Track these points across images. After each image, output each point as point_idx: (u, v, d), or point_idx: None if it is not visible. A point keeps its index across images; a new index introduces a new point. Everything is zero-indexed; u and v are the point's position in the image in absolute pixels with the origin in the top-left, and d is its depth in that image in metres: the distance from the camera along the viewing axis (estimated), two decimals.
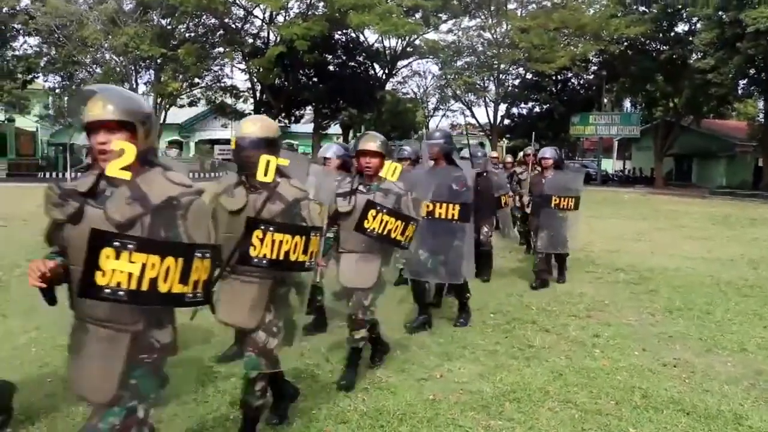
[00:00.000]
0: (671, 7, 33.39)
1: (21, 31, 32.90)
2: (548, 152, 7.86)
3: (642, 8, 35.78)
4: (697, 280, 8.53)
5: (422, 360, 5.02)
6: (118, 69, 32.32)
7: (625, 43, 35.47)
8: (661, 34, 35.49)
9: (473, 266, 6.30)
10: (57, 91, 34.71)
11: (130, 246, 2.11)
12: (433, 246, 5.55)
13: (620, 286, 8.06)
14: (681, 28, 36.02)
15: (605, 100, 41.65)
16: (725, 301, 7.34)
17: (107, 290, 2.09)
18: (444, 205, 5.39)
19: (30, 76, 33.16)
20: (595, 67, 39.93)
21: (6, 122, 36.56)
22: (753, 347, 5.54)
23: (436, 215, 5.38)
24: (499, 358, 5.09)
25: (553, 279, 8.18)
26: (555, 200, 7.46)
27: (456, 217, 5.42)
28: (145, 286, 2.14)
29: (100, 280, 2.08)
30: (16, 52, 33.28)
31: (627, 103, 45.60)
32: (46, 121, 36.94)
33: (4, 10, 31.69)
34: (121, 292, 2.11)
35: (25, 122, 36.47)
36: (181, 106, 36.88)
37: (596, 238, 12.70)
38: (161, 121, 34.45)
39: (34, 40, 33.51)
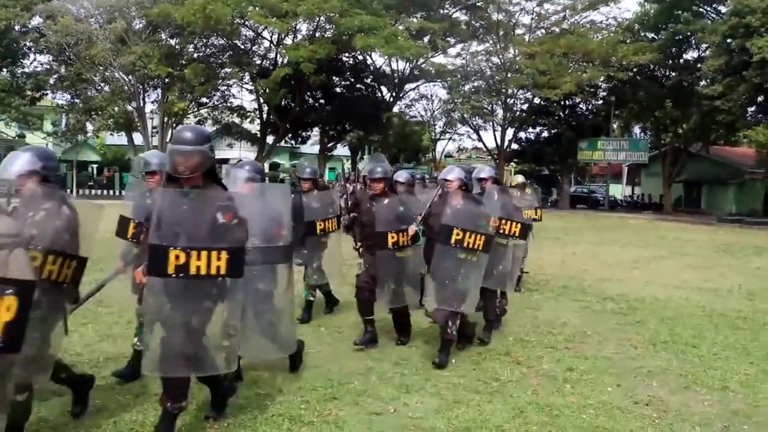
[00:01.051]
0: (679, 34, 33.23)
1: (32, 49, 33.23)
2: (453, 172, 5.83)
3: (650, 35, 35.68)
4: (688, 311, 8.20)
5: (379, 392, 4.76)
6: (126, 88, 32.45)
7: (634, 70, 35.31)
8: (669, 61, 35.33)
9: (264, 343, 4.62)
10: (65, 108, 34.83)
11: None
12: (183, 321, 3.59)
13: (606, 316, 7.76)
14: (690, 55, 35.92)
15: (614, 126, 41.40)
16: (714, 333, 7.02)
17: None
18: (203, 253, 3.42)
19: (39, 93, 33.37)
20: (604, 93, 39.74)
21: (17, 138, 36.81)
22: (735, 384, 5.22)
23: (192, 270, 3.40)
24: (460, 392, 4.81)
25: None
26: (457, 234, 5.32)
27: (223, 271, 3.48)
28: None
29: None
30: (26, 70, 33.53)
31: (636, 129, 45.35)
32: (58, 138, 37.08)
33: (16, 29, 32.08)
34: None
35: (36, 139, 36.67)
36: None
37: (592, 265, 12.45)
38: (167, 140, 34.56)
39: (44, 58, 33.85)
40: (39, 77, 32.97)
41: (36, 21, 32.46)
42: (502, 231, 6.01)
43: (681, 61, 35.77)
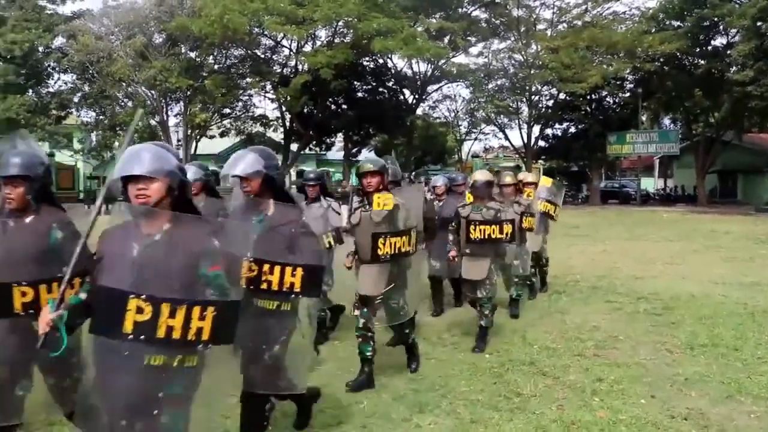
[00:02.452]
0: (706, 20, 32.28)
1: (56, 69, 33.67)
2: (252, 164, 3.50)
3: (676, 23, 34.76)
4: (728, 309, 7.67)
5: (390, 411, 4.39)
6: (148, 102, 32.63)
7: (660, 60, 34.44)
8: (697, 48, 34.36)
9: None
10: (89, 125, 35.23)
11: None
12: None
13: (640, 318, 7.28)
14: (718, 41, 34.94)
15: (643, 118, 40.43)
16: (758, 333, 6.50)
17: None
18: None
19: (64, 112, 33.76)
20: (631, 85, 38.89)
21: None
22: None
23: None
24: (478, 409, 4.42)
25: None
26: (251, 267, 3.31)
27: None
28: None
29: None
30: (50, 89, 33.96)
31: (666, 120, 44.30)
32: (88, 155, 37.50)
33: (39, 50, 32.52)
34: None
35: (65, 157, 37.17)
36: (212, 137, 37.10)
37: (624, 262, 11.92)
38: (192, 152, 34.71)
39: (68, 77, 34.28)
40: (63, 96, 33.40)
41: (59, 41, 32.92)
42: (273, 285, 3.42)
43: (709, 48, 34.78)
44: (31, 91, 32.05)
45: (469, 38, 36.71)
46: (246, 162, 3.49)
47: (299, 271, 3.31)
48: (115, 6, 32.10)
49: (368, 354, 4.92)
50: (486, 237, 5.86)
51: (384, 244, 4.64)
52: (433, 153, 53.57)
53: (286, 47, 35.16)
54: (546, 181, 8.70)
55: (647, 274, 10.42)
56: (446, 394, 4.74)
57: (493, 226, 5.87)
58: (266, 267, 3.26)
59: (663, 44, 32.20)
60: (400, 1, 32.66)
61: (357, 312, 4.91)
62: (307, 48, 33.78)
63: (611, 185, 43.89)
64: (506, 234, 5.90)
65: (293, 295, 3.37)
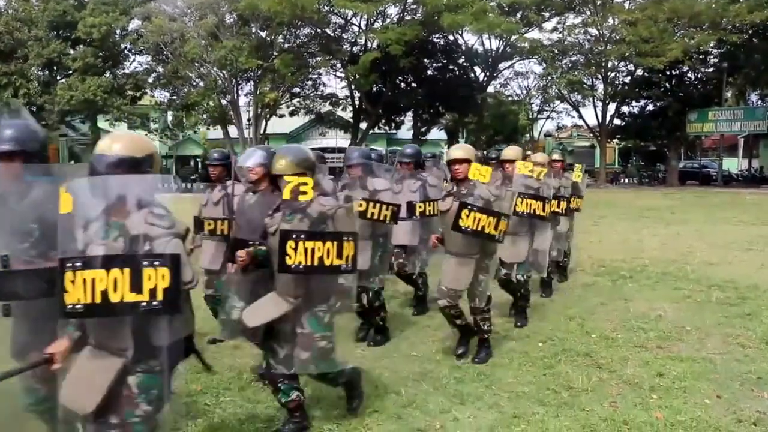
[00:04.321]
0: None
1: (131, 51, 34.65)
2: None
3: None
4: None
5: (428, 402, 4.18)
6: (219, 82, 33.17)
7: (749, 31, 32.36)
8: None
9: None
10: (163, 105, 36.15)
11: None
12: None
13: (710, 308, 6.77)
14: None
15: (728, 94, 38.27)
16: None
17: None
18: None
19: (139, 93, 34.75)
20: (715, 59, 36.78)
21: None
22: None
23: None
24: (523, 403, 4.15)
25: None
26: None
27: None
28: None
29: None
30: (126, 71, 34.98)
31: (753, 97, 41.79)
32: (163, 134, 38.54)
33: (117, 32, 33.53)
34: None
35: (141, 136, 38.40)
36: (281, 116, 37.42)
37: (698, 247, 11.23)
38: (262, 131, 35.12)
39: (143, 58, 35.26)
40: (138, 77, 34.36)
41: (134, 24, 33.83)
42: None
43: None
44: (108, 72, 33.07)
45: (542, 13, 35.53)
46: None
47: None
48: None
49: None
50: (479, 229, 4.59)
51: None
52: (505, 132, 52.51)
53: (355, 25, 35.04)
54: (522, 167, 5.81)
55: (723, 260, 9.76)
56: (491, 385, 4.49)
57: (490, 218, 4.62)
58: None
59: (752, 13, 30.16)
60: None
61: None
62: (377, 25, 33.55)
63: (691, 165, 41.89)
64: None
65: None
